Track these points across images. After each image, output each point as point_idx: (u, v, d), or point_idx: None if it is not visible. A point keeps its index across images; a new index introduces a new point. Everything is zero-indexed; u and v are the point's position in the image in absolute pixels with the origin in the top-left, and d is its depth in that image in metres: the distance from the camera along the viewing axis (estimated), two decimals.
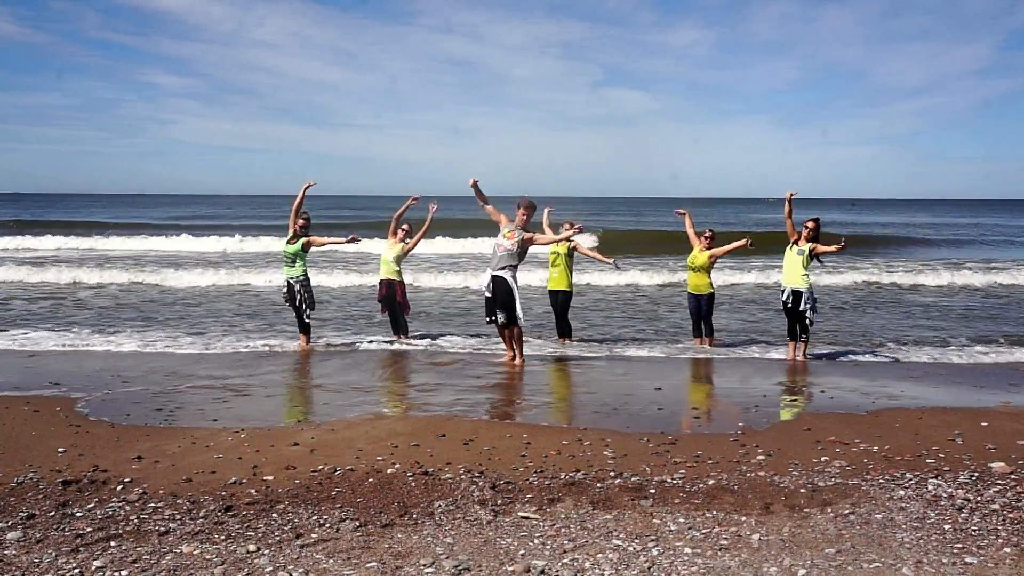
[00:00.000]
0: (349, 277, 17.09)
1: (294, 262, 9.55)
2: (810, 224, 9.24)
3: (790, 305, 9.24)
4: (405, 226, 10.38)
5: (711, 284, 10.01)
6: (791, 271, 9.25)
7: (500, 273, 8.47)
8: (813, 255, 9.15)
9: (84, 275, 17.28)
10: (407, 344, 9.95)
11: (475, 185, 8.56)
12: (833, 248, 9.27)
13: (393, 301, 10.11)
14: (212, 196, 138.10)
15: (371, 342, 10.09)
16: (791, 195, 9.15)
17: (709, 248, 9.95)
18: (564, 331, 10.25)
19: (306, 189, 9.59)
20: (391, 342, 10.05)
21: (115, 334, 10.62)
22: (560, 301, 10.20)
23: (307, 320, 9.64)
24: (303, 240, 9.55)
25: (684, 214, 10.46)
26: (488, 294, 8.54)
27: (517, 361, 8.66)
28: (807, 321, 9.20)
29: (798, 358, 9.22)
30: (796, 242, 9.27)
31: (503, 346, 8.96)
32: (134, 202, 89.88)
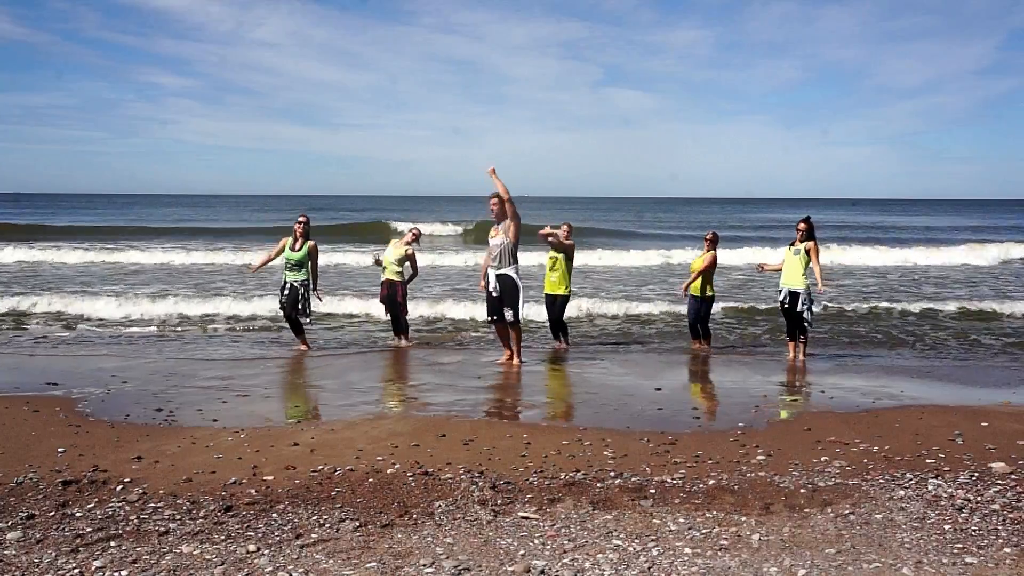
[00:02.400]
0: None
1: (300, 267, 9.52)
2: (801, 226, 9.28)
3: (787, 306, 9.25)
4: (416, 229, 10.35)
5: (711, 287, 10.00)
6: (789, 272, 9.27)
7: (506, 271, 8.42)
8: (810, 254, 9.15)
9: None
10: (407, 345, 9.95)
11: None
12: (817, 271, 9.11)
13: (394, 302, 10.10)
14: (213, 196, 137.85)
15: (371, 343, 10.08)
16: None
17: (711, 249, 9.94)
18: (561, 333, 10.17)
19: (278, 253, 9.62)
20: (391, 343, 10.05)
21: (114, 335, 10.62)
22: (558, 304, 10.10)
23: (304, 323, 9.56)
24: (309, 245, 9.53)
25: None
26: (496, 294, 8.46)
27: (515, 361, 8.65)
28: (805, 322, 9.20)
29: (798, 358, 9.23)
30: (793, 243, 9.31)
31: (502, 347, 8.92)
32: (135, 202, 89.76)
